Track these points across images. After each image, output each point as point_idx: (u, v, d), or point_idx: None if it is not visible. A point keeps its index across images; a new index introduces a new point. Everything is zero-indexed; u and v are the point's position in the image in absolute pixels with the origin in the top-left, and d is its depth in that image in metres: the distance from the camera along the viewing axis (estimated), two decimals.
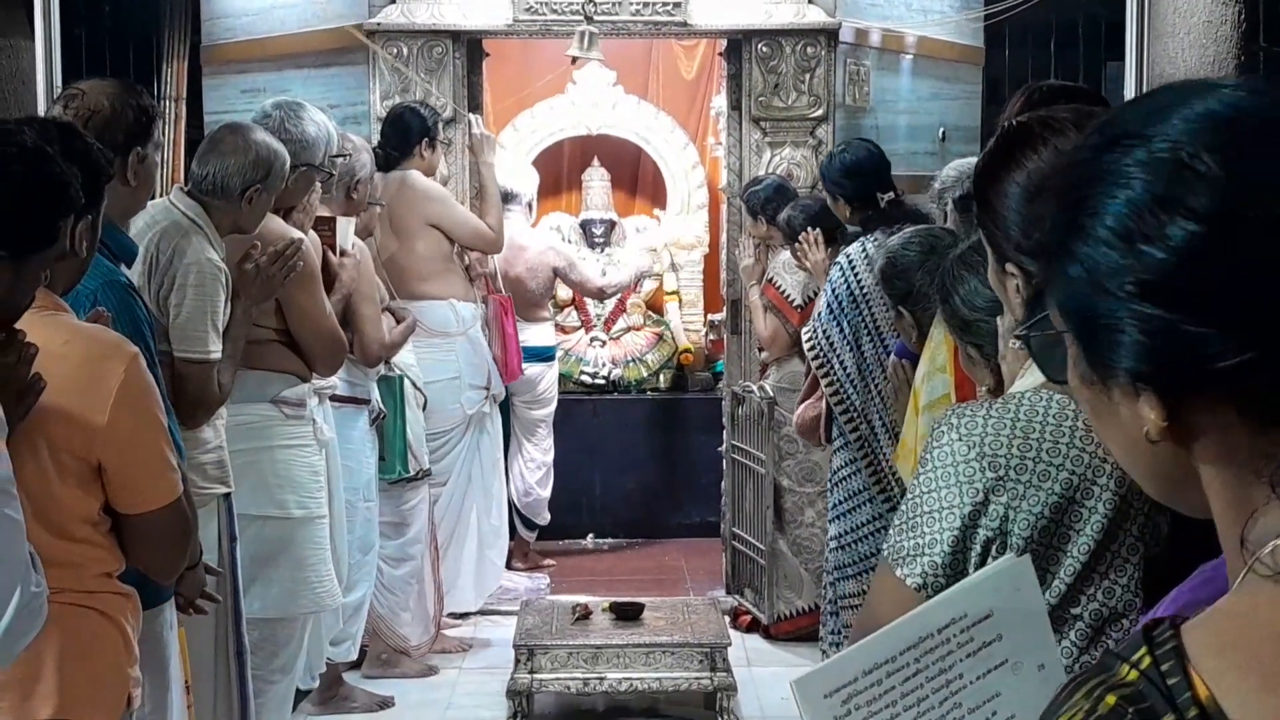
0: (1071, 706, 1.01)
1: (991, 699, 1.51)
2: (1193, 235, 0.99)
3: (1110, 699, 0.99)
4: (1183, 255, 0.99)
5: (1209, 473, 1.06)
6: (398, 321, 5.63)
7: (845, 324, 5.01)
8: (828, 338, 5.04)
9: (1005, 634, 1.50)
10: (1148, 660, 1.00)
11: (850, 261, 5.03)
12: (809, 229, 5.89)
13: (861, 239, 5.10)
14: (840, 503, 5.06)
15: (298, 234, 4.53)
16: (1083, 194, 1.06)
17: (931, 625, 1.48)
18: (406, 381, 5.80)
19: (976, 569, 1.84)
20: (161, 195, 4.38)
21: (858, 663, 1.45)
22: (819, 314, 5.13)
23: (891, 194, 5.28)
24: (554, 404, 7.80)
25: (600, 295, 8.28)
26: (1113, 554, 1.82)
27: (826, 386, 5.06)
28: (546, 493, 7.75)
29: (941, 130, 7.52)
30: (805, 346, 5.18)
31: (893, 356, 3.92)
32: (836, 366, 5.03)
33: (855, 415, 4.98)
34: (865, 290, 4.95)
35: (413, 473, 5.88)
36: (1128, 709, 0.98)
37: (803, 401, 5.39)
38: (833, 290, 5.06)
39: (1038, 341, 1.20)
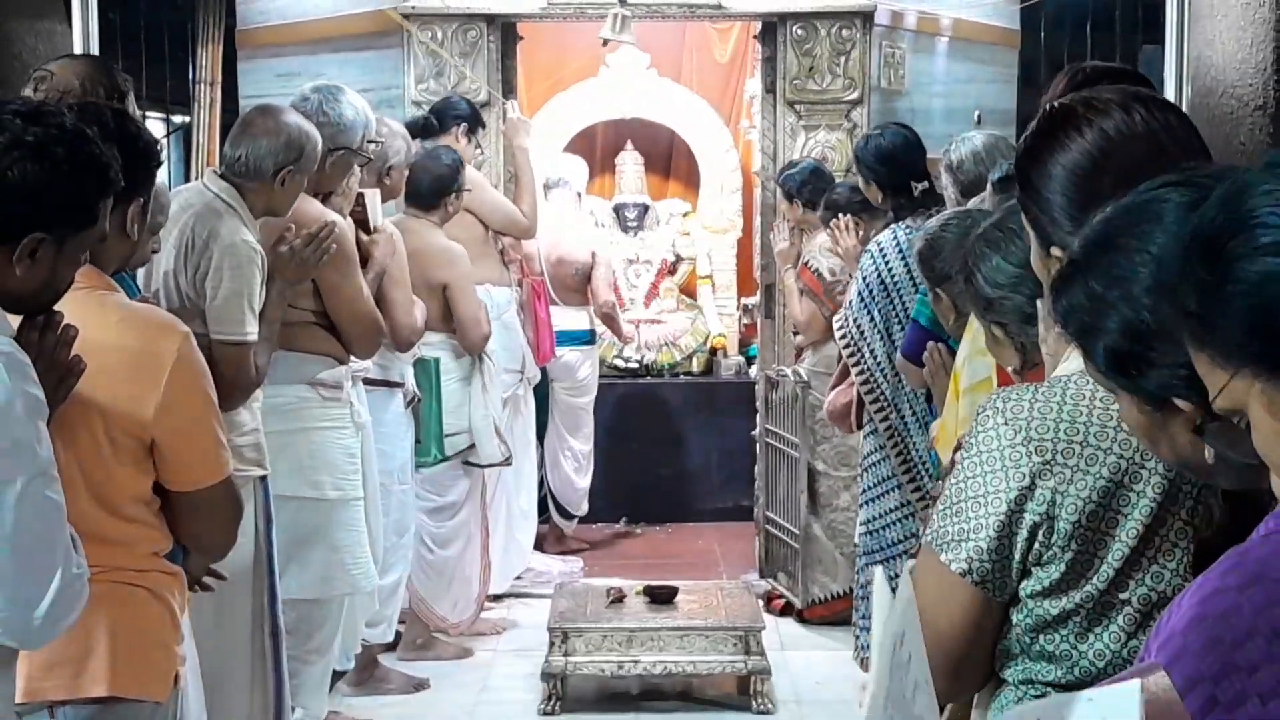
0: None
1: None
2: None
3: None
4: None
5: None
6: None
7: (876, 312, 4.98)
8: (858, 326, 5.01)
9: (913, 654, 1.41)
10: None
11: (881, 249, 5.00)
12: (840, 215, 5.81)
13: (892, 226, 5.06)
14: (870, 488, 5.05)
15: (333, 215, 4.53)
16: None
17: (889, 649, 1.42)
18: (487, 362, 5.91)
19: (1022, 554, 1.82)
20: (196, 178, 4.39)
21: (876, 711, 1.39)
22: (850, 302, 5.11)
23: (925, 183, 5.22)
24: (594, 391, 7.70)
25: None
26: (1161, 538, 1.79)
27: (857, 374, 5.04)
28: (585, 483, 7.69)
29: (977, 113, 7.47)
30: (836, 334, 5.16)
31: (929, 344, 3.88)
32: (867, 355, 5.01)
33: (885, 404, 4.97)
34: (896, 278, 4.93)
35: (503, 458, 6.01)
36: None
37: (834, 388, 5.37)
38: (864, 278, 5.03)
39: (1217, 434, 1.25)
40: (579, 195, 7.87)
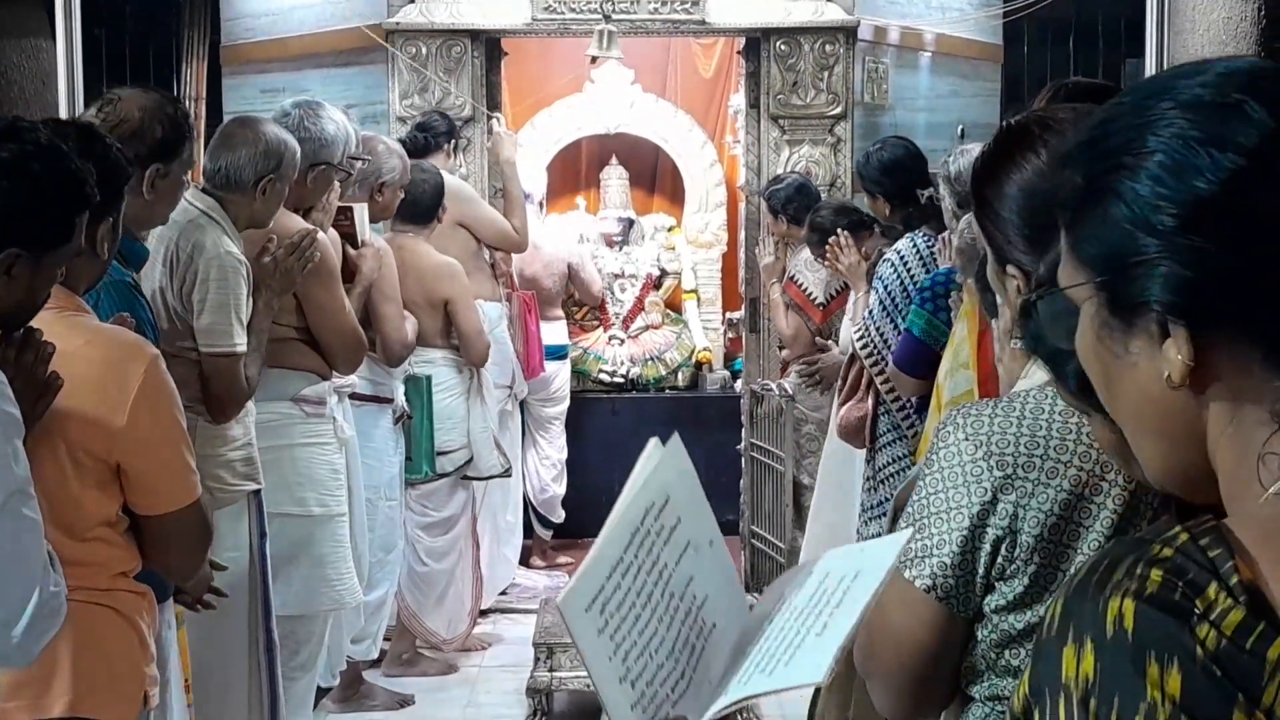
0: (1117, 587, 1.02)
1: (689, 583, 1.55)
2: (1237, 168, 1.03)
3: (1156, 574, 1.01)
4: (1227, 186, 1.03)
5: (1221, 419, 1.07)
6: None
7: (900, 320, 4.96)
8: (881, 335, 4.97)
9: (682, 517, 1.55)
10: (1184, 537, 1.03)
11: (902, 257, 4.97)
12: (839, 234, 5.77)
13: (910, 234, 5.05)
14: (885, 502, 4.98)
15: (313, 226, 4.53)
16: (1127, 137, 1.09)
17: (634, 519, 1.50)
18: (484, 373, 5.97)
19: (985, 568, 1.82)
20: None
21: (600, 568, 1.46)
22: (871, 311, 5.07)
23: (931, 190, 5.22)
24: (567, 401, 7.83)
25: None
26: None
27: (883, 384, 5.00)
28: (561, 490, 7.77)
29: (960, 128, 7.50)
30: (858, 345, 5.10)
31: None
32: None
33: (911, 413, 4.93)
34: (920, 285, 4.91)
35: (503, 469, 6.07)
36: (1176, 583, 1.00)
37: (844, 403, 5.31)
38: (885, 287, 4.99)
39: (1048, 306, 1.21)
40: (540, 205, 7.93)
